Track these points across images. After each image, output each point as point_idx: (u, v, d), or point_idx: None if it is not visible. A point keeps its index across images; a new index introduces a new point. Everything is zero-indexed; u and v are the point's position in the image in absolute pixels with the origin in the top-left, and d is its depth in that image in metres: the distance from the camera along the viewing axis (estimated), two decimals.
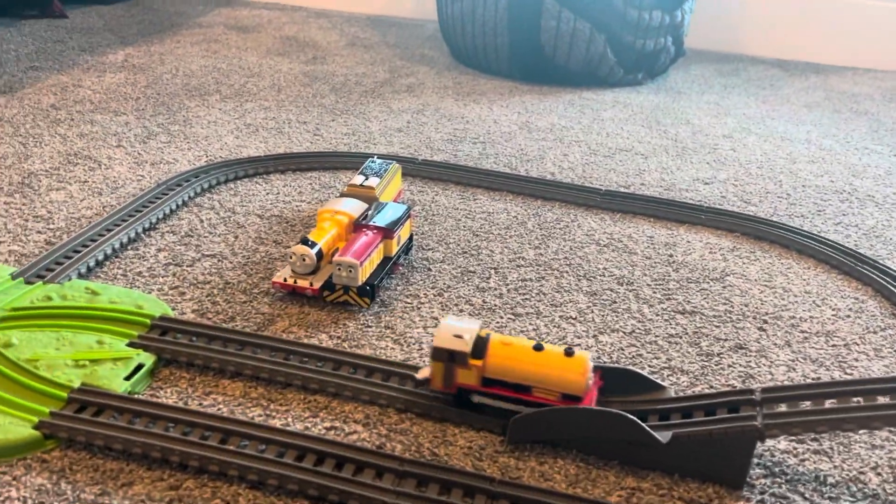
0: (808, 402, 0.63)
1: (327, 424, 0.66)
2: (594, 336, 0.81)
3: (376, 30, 2.08)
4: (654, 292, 0.90)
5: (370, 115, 1.42)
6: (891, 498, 0.62)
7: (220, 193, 1.08)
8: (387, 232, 0.87)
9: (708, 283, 0.94)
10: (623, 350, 0.79)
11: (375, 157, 1.13)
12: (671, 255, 0.99)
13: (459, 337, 0.65)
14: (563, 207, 1.11)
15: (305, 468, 0.59)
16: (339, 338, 0.78)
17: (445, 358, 0.66)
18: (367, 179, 0.97)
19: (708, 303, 0.89)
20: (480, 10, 1.66)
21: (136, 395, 0.67)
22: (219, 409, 0.67)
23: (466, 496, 0.59)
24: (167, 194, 1.03)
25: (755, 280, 0.95)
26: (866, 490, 0.63)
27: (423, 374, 0.68)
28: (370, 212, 0.91)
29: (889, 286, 0.94)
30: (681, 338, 0.82)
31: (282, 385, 0.71)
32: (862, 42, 2.02)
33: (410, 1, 2.24)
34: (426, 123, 1.40)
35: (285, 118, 1.38)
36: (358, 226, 0.88)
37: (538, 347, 0.65)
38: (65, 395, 0.65)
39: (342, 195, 0.95)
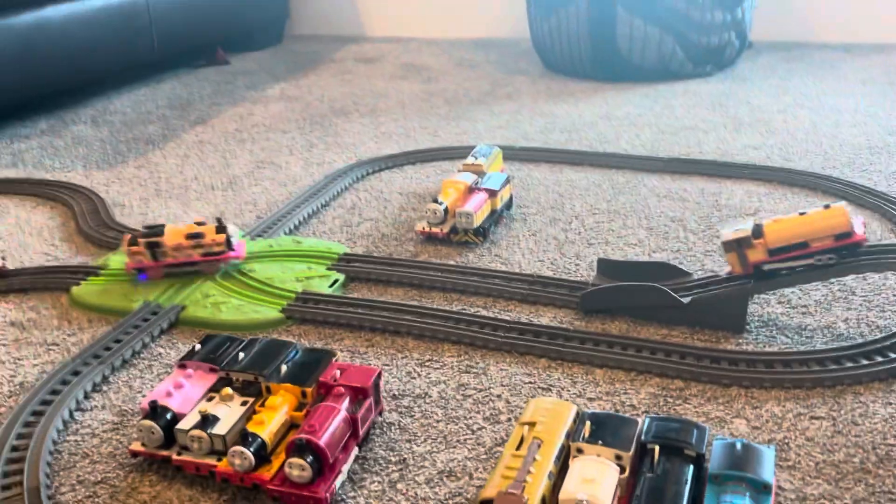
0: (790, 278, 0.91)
1: (460, 307, 0.99)
2: (648, 255, 1.11)
3: (479, 51, 2.43)
4: (699, 225, 1.19)
5: (477, 118, 1.77)
6: (854, 338, 0.89)
7: (369, 181, 1.45)
8: (492, 192, 1.21)
9: (743, 216, 1.21)
10: (671, 261, 1.08)
11: (482, 144, 1.47)
12: (716, 201, 1.28)
13: (739, 229, 0.88)
14: (632, 173, 1.41)
15: (448, 318, 0.93)
16: (463, 262, 1.11)
17: (735, 247, 0.89)
18: (476, 159, 1.32)
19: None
20: (565, 24, 1.98)
21: (336, 296, 1.03)
22: (390, 302, 1.02)
23: (552, 338, 0.91)
24: (333, 183, 1.41)
25: (782, 212, 1.21)
26: (835, 332, 0.90)
27: (727, 270, 0.92)
28: (480, 180, 1.24)
29: (892, 210, 1.18)
30: (714, 252, 1.11)
31: (428, 289, 1.05)
32: None
33: (508, 23, 2.59)
34: (522, 120, 1.73)
35: (410, 125, 1.74)
36: (471, 189, 1.22)
37: (802, 213, 0.89)
38: (293, 295, 1.02)
39: (459, 171, 1.30)
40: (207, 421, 0.72)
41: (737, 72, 2.04)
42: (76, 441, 0.79)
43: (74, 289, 1.06)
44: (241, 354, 0.81)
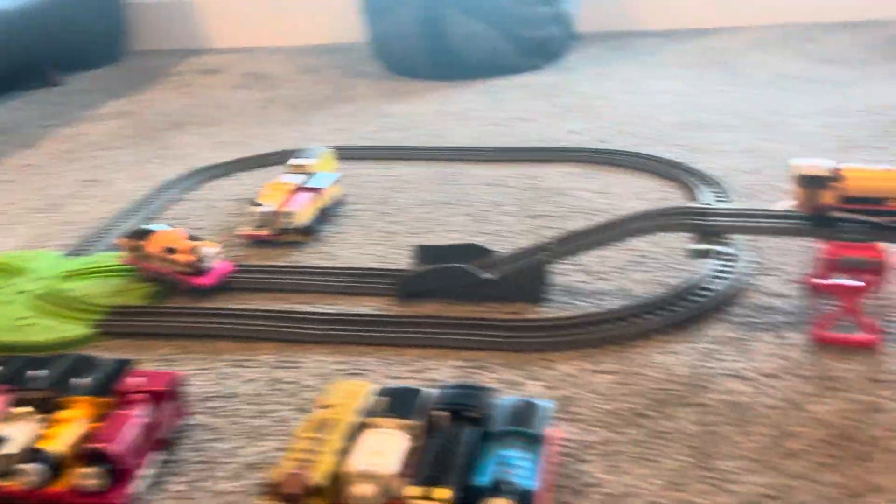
0: (579, 243, 0.97)
1: (281, 307, 1.01)
2: (468, 239, 1.16)
3: (324, 57, 2.44)
4: (515, 208, 1.25)
5: (316, 122, 1.78)
6: (644, 297, 0.96)
7: (200, 191, 1.43)
8: (317, 191, 1.22)
9: (557, 196, 1.28)
10: (487, 244, 1.13)
11: (313, 146, 1.48)
12: (534, 183, 1.34)
13: (816, 166, 0.80)
14: (459, 164, 1.46)
15: (265, 317, 0.94)
16: (288, 262, 1.13)
17: (807, 183, 0.81)
18: (303, 162, 1.33)
19: (553, 208, 1.24)
20: (399, 26, 2.02)
21: (151, 307, 1.02)
22: (207, 307, 1.02)
23: (367, 325, 0.94)
24: (159, 195, 1.39)
25: (593, 190, 1.29)
26: (628, 294, 0.97)
27: (783, 204, 0.86)
28: (307, 180, 1.26)
29: (691, 182, 1.28)
30: (528, 231, 1.16)
31: (250, 291, 1.05)
32: (740, 3, 2.36)
33: (355, 28, 2.61)
34: (360, 121, 1.76)
35: (249, 133, 1.74)
36: (297, 189, 1.23)
37: (887, 169, 0.81)
38: (109, 309, 1.00)
39: (285, 174, 1.31)
40: None
41: (565, 63, 2.14)
42: None
43: None
44: (39, 372, 0.79)
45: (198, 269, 1.05)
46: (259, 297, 1.04)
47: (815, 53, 2.02)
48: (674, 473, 0.69)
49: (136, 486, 0.69)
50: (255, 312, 0.98)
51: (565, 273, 1.03)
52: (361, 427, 0.69)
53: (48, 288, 1.07)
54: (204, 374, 0.88)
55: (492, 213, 1.24)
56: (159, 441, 0.74)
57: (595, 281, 1.01)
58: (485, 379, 0.84)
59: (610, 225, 0.97)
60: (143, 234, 1.08)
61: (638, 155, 1.41)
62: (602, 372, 0.83)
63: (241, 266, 1.10)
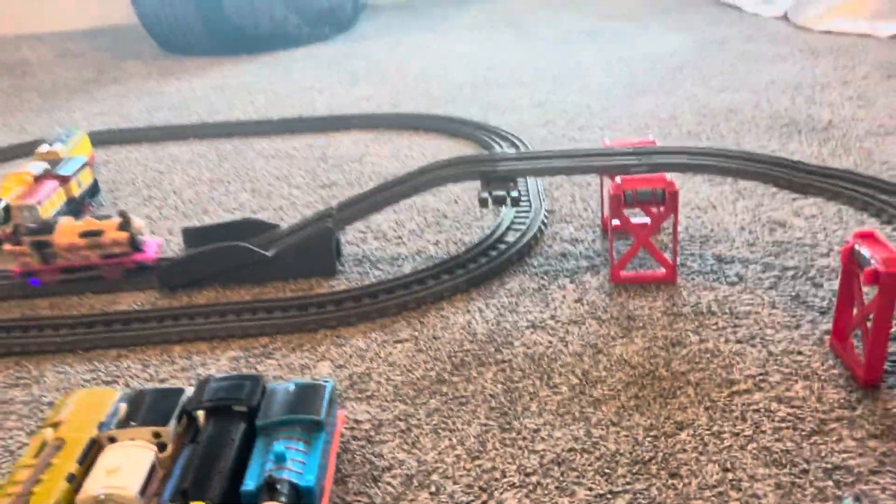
0: (363, 204, 0.88)
1: (15, 317, 0.84)
2: (248, 215, 1.03)
3: (88, 41, 2.19)
4: (304, 180, 1.14)
5: (75, 108, 1.57)
6: (442, 258, 0.89)
7: None
8: (63, 178, 1.05)
9: (348, 164, 1.19)
10: (272, 218, 1.01)
11: (64, 130, 1.29)
12: (324, 153, 1.24)
13: None
14: (241, 139, 1.33)
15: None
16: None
17: None
18: (50, 146, 1.14)
19: (344, 176, 1.14)
20: (171, 1, 1.83)
21: None
22: None
23: (125, 324, 0.80)
24: None
25: (385, 156, 1.21)
26: (426, 256, 0.90)
27: None
28: (53, 169, 1.08)
29: (482, 137, 1.23)
30: (317, 203, 1.06)
31: None
32: None
33: (123, 8, 2.36)
34: (127, 104, 1.57)
35: None
36: (39, 179, 1.05)
37: None
38: None
39: (30, 162, 1.12)
40: None
41: (357, 32, 2.04)
42: None
43: None
44: None
45: (135, 246, 0.89)
46: None
47: (602, 11, 2.07)
48: (476, 441, 0.62)
49: None
50: None
51: (360, 241, 0.94)
52: (100, 443, 0.56)
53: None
54: None
55: (276, 186, 1.12)
56: None
57: (392, 246, 0.93)
58: (268, 367, 0.73)
59: (396, 182, 0.89)
60: (43, 229, 0.89)
61: (430, 116, 1.35)
62: (399, 341, 0.75)
63: None
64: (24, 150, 1.33)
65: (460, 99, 1.44)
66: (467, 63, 1.67)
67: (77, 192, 1.07)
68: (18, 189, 1.03)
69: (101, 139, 1.34)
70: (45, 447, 0.55)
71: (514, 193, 0.82)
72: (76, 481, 0.53)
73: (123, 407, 0.58)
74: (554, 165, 0.84)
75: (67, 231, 0.89)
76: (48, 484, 0.52)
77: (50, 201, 1.01)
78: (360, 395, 0.68)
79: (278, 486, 0.51)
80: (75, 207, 1.06)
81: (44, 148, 1.15)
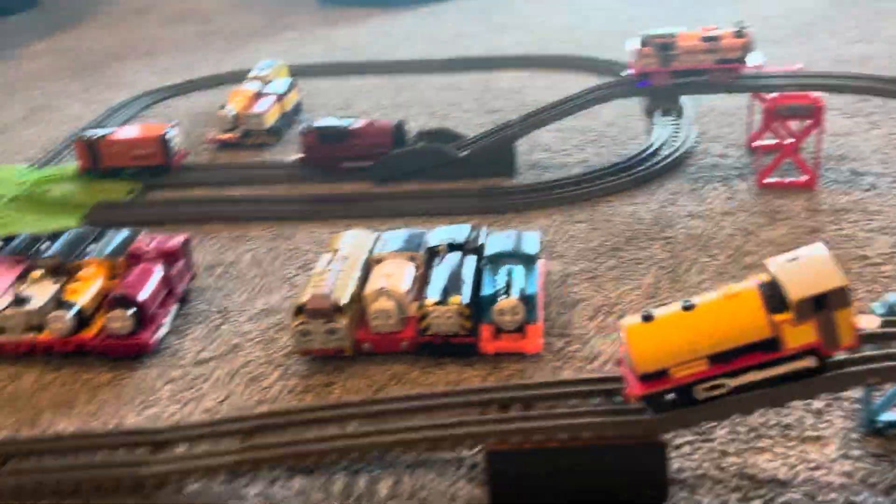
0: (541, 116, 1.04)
1: (266, 194, 1.05)
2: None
3: None
4: (473, 106, 1.32)
5: (257, 49, 1.79)
6: (604, 165, 1.04)
7: (155, 109, 1.44)
8: (279, 95, 1.26)
9: (510, 94, 1.36)
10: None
11: (266, 60, 1.50)
12: (487, 86, 1.41)
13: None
14: (411, 75, 1.51)
15: (253, 201, 0.98)
16: (260, 161, 1.17)
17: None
18: (260, 71, 1.36)
19: (508, 104, 1.31)
20: None
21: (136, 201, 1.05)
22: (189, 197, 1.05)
23: (350, 202, 0.99)
24: (116, 114, 1.39)
25: (543, 88, 1.37)
26: (590, 164, 1.06)
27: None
28: (265, 88, 1.29)
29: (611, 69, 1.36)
30: (488, 124, 1.23)
31: (229, 185, 1.09)
32: None
33: None
34: (303, 46, 1.78)
35: (190, 61, 1.74)
36: (258, 95, 1.26)
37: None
38: (90, 206, 1.02)
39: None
40: (20, 300, 0.74)
41: None
42: None
43: None
44: (46, 244, 0.82)
45: (745, 54, 0.94)
46: (238, 190, 1.08)
47: None
48: (650, 287, 0.78)
49: (160, 331, 0.74)
50: (242, 198, 1.02)
51: (529, 153, 1.11)
52: (372, 262, 0.75)
53: (23, 192, 1.08)
54: (203, 250, 0.92)
55: (451, 112, 1.30)
56: (174, 295, 0.78)
57: (558, 157, 1.09)
58: None
59: (570, 98, 1.05)
60: (668, 33, 0.96)
61: (579, 58, 1.50)
62: (576, 222, 0.92)
63: (212, 165, 1.14)
64: (224, 80, 1.55)
65: (603, 47, 1.58)
66: (607, 15, 1.81)
67: (288, 107, 1.28)
68: (243, 102, 1.25)
69: (291, 71, 1.55)
70: (331, 262, 0.75)
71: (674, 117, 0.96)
72: (359, 283, 0.72)
73: (384, 239, 0.77)
74: (705, 83, 0.98)
75: (689, 36, 0.96)
76: (342, 281, 0.71)
77: (270, 112, 1.22)
78: (550, 255, 0.85)
79: (511, 289, 0.68)
80: (287, 121, 1.27)
81: (255, 71, 1.36)
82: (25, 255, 0.80)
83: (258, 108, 1.21)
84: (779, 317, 0.47)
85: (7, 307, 0.73)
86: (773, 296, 0.48)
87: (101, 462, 0.59)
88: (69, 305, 0.72)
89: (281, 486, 0.57)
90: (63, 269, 0.78)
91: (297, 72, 1.54)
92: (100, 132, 1.13)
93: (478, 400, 0.59)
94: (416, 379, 0.67)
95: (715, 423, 0.58)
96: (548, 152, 1.11)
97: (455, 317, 0.67)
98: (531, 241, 0.76)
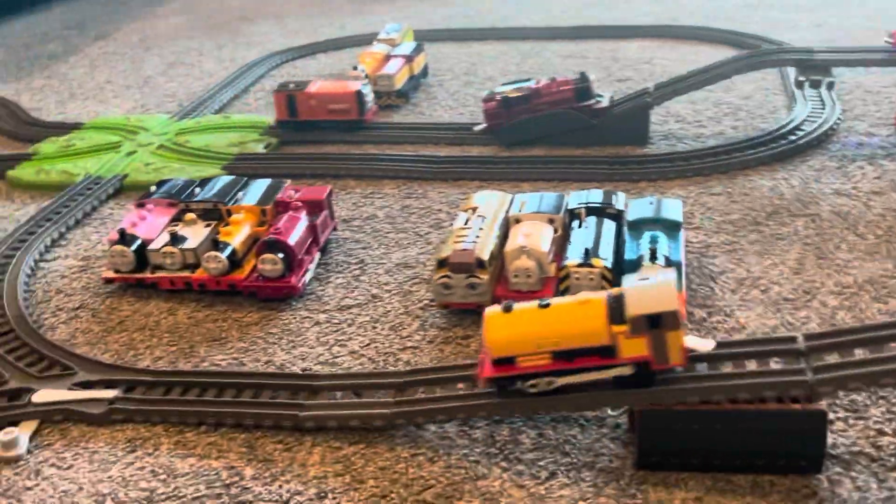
0: (677, 85, 1.02)
1: (399, 153, 1.07)
2: None
3: None
4: (601, 75, 1.30)
5: (380, 12, 1.82)
6: (742, 138, 1.01)
7: (284, 69, 1.48)
8: (408, 57, 1.27)
9: (638, 65, 1.33)
10: None
11: (392, 23, 1.52)
12: (614, 56, 1.39)
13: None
14: (536, 42, 1.50)
15: (384, 160, 1.01)
16: (389, 121, 1.19)
17: None
18: (388, 34, 1.38)
19: (637, 74, 1.28)
20: None
21: (272, 154, 1.08)
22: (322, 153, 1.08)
23: (481, 164, 1.00)
24: (248, 72, 1.44)
25: (672, 59, 1.34)
26: (726, 137, 1.03)
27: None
28: (393, 50, 1.31)
29: (747, 42, 1.32)
30: (616, 93, 1.21)
31: (360, 143, 1.11)
32: None
33: None
34: (425, 10, 1.79)
35: (317, 23, 1.77)
36: (387, 57, 1.28)
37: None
38: (231, 157, 1.06)
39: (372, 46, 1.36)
40: (177, 239, 0.78)
41: None
42: (47, 282, 0.83)
43: (10, 172, 1.07)
44: (198, 189, 0.86)
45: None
46: (369, 147, 1.10)
47: None
48: (795, 262, 0.76)
49: (305, 276, 0.77)
50: (374, 156, 1.05)
51: (662, 123, 1.08)
52: (511, 222, 0.76)
53: (168, 141, 1.13)
54: (338, 204, 0.94)
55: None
56: (317, 244, 0.81)
57: (692, 128, 1.07)
58: None
59: (706, 69, 1.02)
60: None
61: (709, 29, 1.45)
62: (713, 194, 0.89)
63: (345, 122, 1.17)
64: (351, 42, 1.58)
65: (738, 18, 1.53)
66: None
67: (416, 70, 1.29)
68: (374, 63, 1.27)
69: (416, 36, 1.56)
70: (469, 220, 0.76)
71: (828, 81, 0.92)
72: (499, 241, 0.73)
73: (521, 201, 0.78)
74: (864, 58, 0.93)
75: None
76: (483, 238, 0.72)
77: (400, 74, 1.24)
78: (687, 226, 0.83)
79: (656, 255, 0.68)
80: (414, 84, 1.28)
81: (383, 34, 1.39)
82: (178, 198, 0.84)
83: (388, 69, 1.23)
84: (617, 328, 0.52)
85: (165, 245, 0.77)
86: (617, 308, 0.53)
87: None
88: (223, 246, 0.76)
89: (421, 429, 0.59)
90: (214, 214, 0.82)
91: (421, 37, 1.56)
92: (298, 84, 1.14)
93: None
94: None
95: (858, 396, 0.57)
96: (681, 123, 1.08)
97: (597, 279, 0.67)
98: (674, 209, 0.75)
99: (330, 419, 0.59)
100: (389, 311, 0.74)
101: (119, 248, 0.77)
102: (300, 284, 0.75)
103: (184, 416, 0.61)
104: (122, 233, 0.78)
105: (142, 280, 0.78)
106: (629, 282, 0.55)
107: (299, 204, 0.81)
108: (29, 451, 0.59)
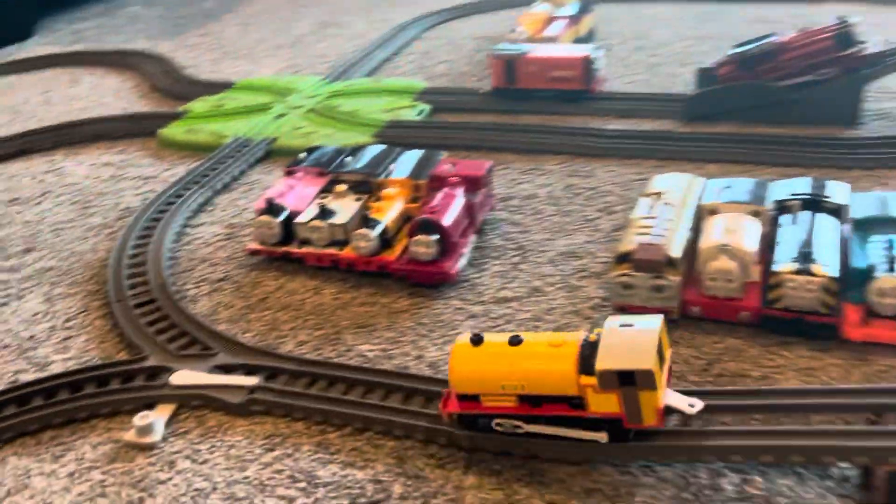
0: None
1: (564, 125, 0.97)
2: None
3: None
4: None
5: None
6: None
7: (437, 30, 1.41)
8: (573, 18, 1.16)
9: None
10: None
11: None
12: (809, 20, 1.21)
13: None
14: (716, 4, 1.35)
15: (546, 132, 0.91)
16: None
17: None
18: None
19: None
20: None
21: (424, 122, 1.01)
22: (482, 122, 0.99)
23: (658, 140, 0.88)
24: (400, 33, 1.37)
25: (877, 24, 1.15)
26: None
27: None
28: (557, 11, 1.20)
29: None
30: None
31: (518, 113, 1.02)
32: None
33: None
34: None
35: None
36: (550, 19, 1.17)
37: None
38: (382, 123, 1.00)
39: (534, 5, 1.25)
40: (326, 212, 0.72)
41: None
42: (191, 249, 0.79)
43: (162, 130, 1.05)
44: (349, 159, 0.80)
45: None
46: (529, 118, 1.01)
47: None
48: None
49: (460, 261, 0.69)
50: (535, 128, 0.95)
51: (876, 100, 0.92)
52: (704, 213, 0.65)
53: (318, 105, 1.08)
54: (495, 180, 0.86)
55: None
56: (474, 225, 0.73)
57: None
58: None
59: None
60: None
61: None
62: None
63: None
64: (509, 3, 1.48)
65: None
66: None
67: (582, 32, 1.18)
68: (535, 25, 1.17)
69: None
70: (653, 207, 0.65)
71: None
72: (690, 234, 0.62)
73: (716, 187, 0.66)
74: None
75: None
76: (673, 230, 0.61)
77: (563, 37, 1.13)
78: None
79: (894, 265, 0.55)
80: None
81: None
82: (327, 168, 0.78)
83: (550, 31, 1.12)
84: (585, 379, 0.46)
85: (314, 218, 0.71)
86: (589, 357, 0.47)
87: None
88: (374, 224, 0.69)
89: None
90: (365, 187, 0.76)
91: None
92: (518, 49, 1.03)
93: (845, 403, 0.48)
94: (755, 359, 0.57)
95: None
96: None
97: (818, 291, 0.55)
98: None
99: (489, 442, 0.51)
100: (554, 308, 0.65)
101: (266, 218, 0.72)
102: (454, 271, 0.67)
103: (327, 415, 0.55)
104: (270, 202, 0.73)
105: (287, 254, 0.73)
106: (610, 324, 0.48)
107: (456, 180, 0.73)
108: (164, 439, 0.55)
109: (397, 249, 0.70)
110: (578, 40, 1.17)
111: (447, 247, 0.68)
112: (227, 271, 0.75)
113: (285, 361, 0.60)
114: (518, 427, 0.49)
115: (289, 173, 0.80)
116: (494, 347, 0.48)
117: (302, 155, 0.81)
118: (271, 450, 0.53)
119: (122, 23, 1.69)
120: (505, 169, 0.88)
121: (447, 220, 0.68)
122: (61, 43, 1.57)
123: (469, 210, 0.72)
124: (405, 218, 0.73)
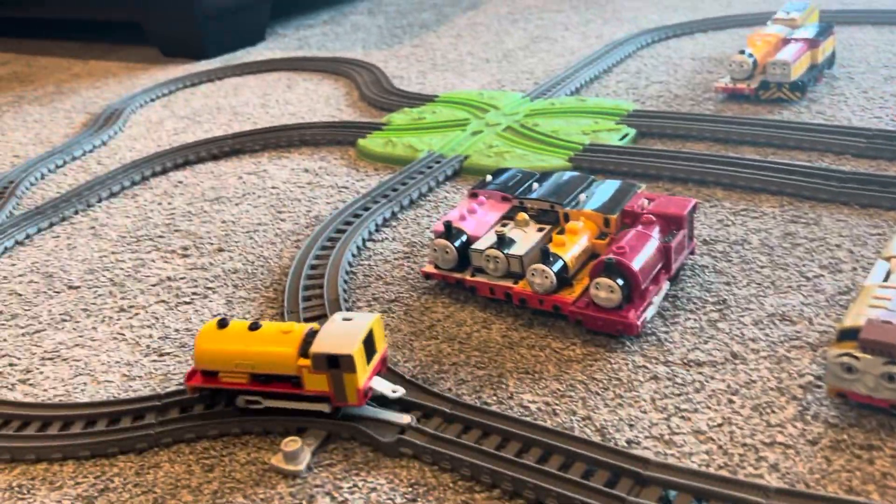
0: None
1: (786, 161, 0.85)
2: None
3: None
4: None
5: None
6: None
7: (654, 49, 1.31)
8: (812, 42, 1.02)
9: None
10: None
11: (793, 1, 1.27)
12: None
13: None
14: None
15: (764, 168, 0.80)
16: (777, 119, 0.96)
17: None
18: (788, 13, 1.13)
19: None
20: None
21: (627, 147, 0.93)
22: (673, 151, 0.90)
23: None
24: (613, 51, 1.30)
25: None
26: None
27: None
28: (794, 33, 1.07)
29: None
30: None
31: (735, 143, 0.91)
32: None
33: None
34: None
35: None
36: (785, 40, 1.04)
37: None
38: (581, 146, 0.94)
39: (768, 26, 1.13)
40: (504, 242, 0.67)
41: None
42: (369, 265, 0.78)
43: (361, 141, 1.06)
44: (536, 185, 0.75)
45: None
46: (746, 149, 0.89)
47: None
48: None
49: (647, 311, 0.61)
50: (751, 162, 0.84)
51: None
52: None
53: (515, 123, 1.04)
54: (699, 219, 0.77)
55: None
56: (668, 271, 0.65)
57: None
58: None
59: None
60: None
61: None
62: None
63: (719, 116, 0.97)
64: (736, 21, 1.36)
65: None
66: None
67: (819, 58, 1.04)
68: (765, 47, 1.05)
69: (822, 17, 1.29)
70: (893, 274, 0.54)
71: None
72: None
73: None
74: None
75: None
76: None
77: (799, 62, 1.00)
78: None
79: None
80: (815, 74, 1.04)
81: (782, 13, 1.15)
82: (513, 193, 0.74)
83: (784, 55, 1.00)
84: (303, 361, 0.55)
85: (491, 247, 0.67)
86: (309, 342, 0.55)
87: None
88: (553, 259, 0.63)
89: None
90: (550, 216, 0.70)
91: (829, 18, 1.28)
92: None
93: None
94: None
95: None
96: None
97: None
98: None
99: None
100: (755, 382, 0.55)
101: (442, 242, 0.69)
102: (639, 322, 0.60)
103: (477, 470, 0.50)
104: (448, 226, 0.70)
105: (461, 281, 0.69)
106: (333, 317, 0.57)
107: (652, 218, 0.65)
108: (309, 468, 0.53)
109: (577, 290, 0.63)
110: (815, 67, 1.03)
111: (633, 293, 0.60)
112: (400, 293, 0.72)
113: (442, 402, 0.56)
114: (258, 402, 0.56)
115: (472, 195, 0.76)
116: (235, 331, 0.57)
117: (488, 177, 0.77)
118: (414, 500, 0.49)
119: (344, 31, 1.76)
120: (713, 207, 0.79)
121: (637, 263, 0.60)
122: (287, 48, 1.66)
123: (664, 253, 0.64)
124: (590, 255, 0.66)
